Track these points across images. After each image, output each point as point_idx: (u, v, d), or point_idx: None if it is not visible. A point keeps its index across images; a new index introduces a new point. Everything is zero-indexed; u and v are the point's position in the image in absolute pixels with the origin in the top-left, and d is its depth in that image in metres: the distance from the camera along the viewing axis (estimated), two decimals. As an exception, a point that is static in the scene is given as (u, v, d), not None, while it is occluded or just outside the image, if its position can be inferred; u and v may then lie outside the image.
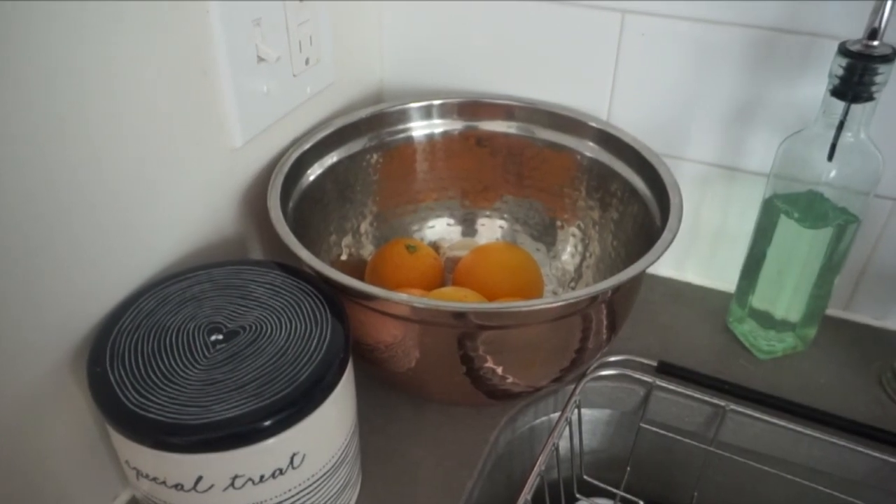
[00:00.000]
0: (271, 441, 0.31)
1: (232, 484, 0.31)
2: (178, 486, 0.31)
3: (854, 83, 0.40)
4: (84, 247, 0.33)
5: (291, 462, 0.32)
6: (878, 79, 0.40)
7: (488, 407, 0.46)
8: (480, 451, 0.44)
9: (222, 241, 0.43)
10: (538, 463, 0.42)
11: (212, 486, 0.31)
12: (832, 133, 0.42)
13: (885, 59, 0.39)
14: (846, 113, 0.41)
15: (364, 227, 0.52)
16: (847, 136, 0.42)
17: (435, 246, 0.56)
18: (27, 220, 0.30)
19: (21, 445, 0.33)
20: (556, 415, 0.48)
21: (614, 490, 0.48)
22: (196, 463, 0.30)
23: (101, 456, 0.37)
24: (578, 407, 0.47)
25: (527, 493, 0.40)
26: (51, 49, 0.30)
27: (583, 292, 0.37)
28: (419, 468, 0.42)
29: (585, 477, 0.49)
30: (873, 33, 0.39)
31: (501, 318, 0.38)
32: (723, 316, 0.53)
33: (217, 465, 0.30)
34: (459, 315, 0.37)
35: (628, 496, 0.48)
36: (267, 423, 0.30)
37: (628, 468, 0.50)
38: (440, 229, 0.55)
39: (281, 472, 0.32)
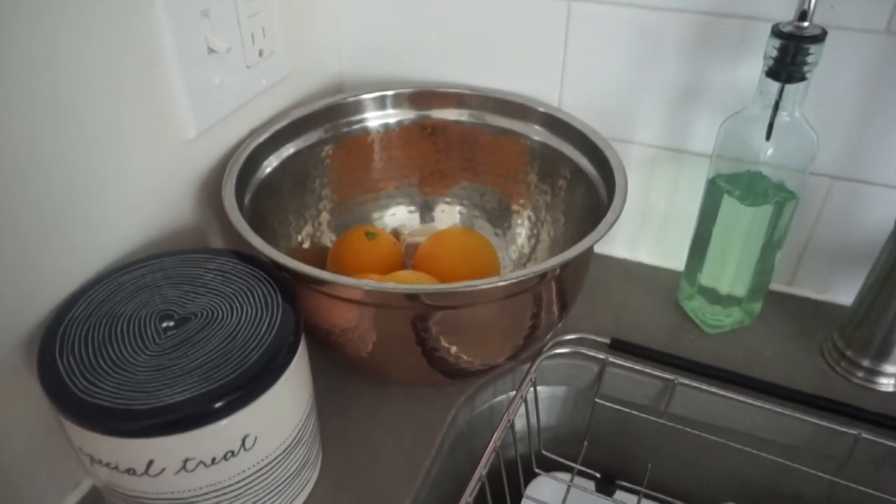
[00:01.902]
0: (221, 423, 0.31)
1: (184, 467, 0.32)
2: (131, 471, 0.32)
3: (787, 63, 0.41)
4: (30, 239, 0.34)
5: (243, 444, 0.33)
6: (809, 59, 0.41)
7: (446, 386, 0.47)
8: (438, 430, 0.45)
9: (181, 230, 0.44)
10: (493, 440, 0.43)
11: (163, 469, 0.32)
12: (769, 113, 0.44)
13: (815, 39, 0.40)
14: (781, 93, 0.43)
15: (324, 216, 0.53)
16: (783, 116, 0.44)
17: (396, 233, 0.57)
18: (-28, 214, 0.31)
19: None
20: (514, 393, 0.49)
21: (571, 464, 0.49)
22: (146, 447, 0.31)
23: (61, 445, 0.38)
24: (534, 385, 0.48)
25: (482, 469, 0.42)
26: (-10, 44, 0.30)
27: (529, 271, 0.38)
28: (379, 448, 0.43)
29: (544, 452, 0.51)
30: (803, 15, 0.40)
31: (451, 299, 0.39)
32: (673, 293, 0.55)
33: (167, 448, 0.31)
34: (412, 297, 0.38)
35: (585, 469, 0.50)
36: (215, 405, 0.31)
37: (585, 443, 0.51)
38: (400, 216, 0.56)
39: (233, 454, 0.33)
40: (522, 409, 0.49)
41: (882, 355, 0.47)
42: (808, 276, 0.54)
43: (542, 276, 0.39)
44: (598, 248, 0.56)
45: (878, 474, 0.45)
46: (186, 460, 0.32)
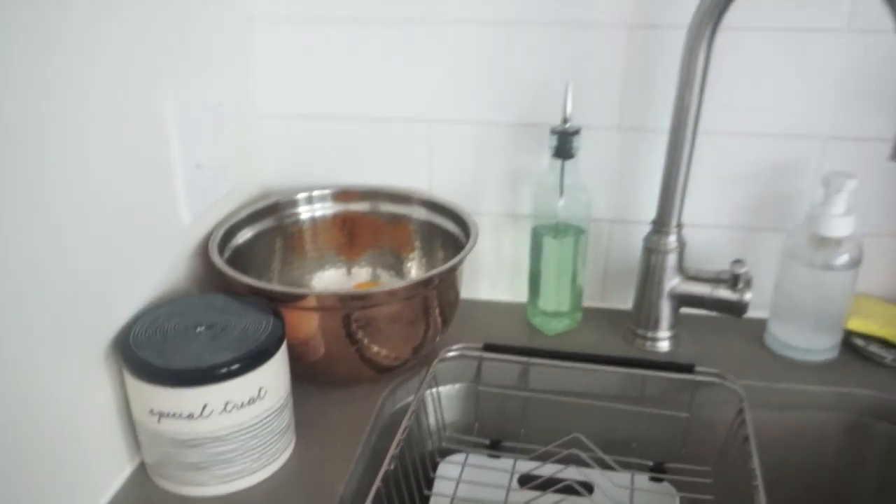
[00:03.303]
0: (247, 376, 0.51)
1: (224, 408, 0.50)
2: (190, 416, 0.50)
3: (562, 149, 0.68)
4: (101, 286, 0.53)
5: (259, 393, 0.52)
6: (574, 144, 0.68)
7: (373, 383, 0.67)
8: (371, 413, 0.64)
9: (184, 283, 0.63)
10: (406, 417, 0.63)
11: (212, 411, 0.50)
12: (559, 179, 0.70)
13: (575, 133, 0.68)
14: (562, 167, 0.69)
15: (275, 276, 0.74)
16: (567, 181, 0.70)
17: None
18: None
19: (68, 421, 0.50)
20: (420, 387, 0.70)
21: (468, 437, 0.70)
22: (202, 394, 0.50)
23: (119, 432, 0.54)
24: (435, 380, 0.69)
25: (400, 434, 0.61)
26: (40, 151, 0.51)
27: (416, 278, 0.60)
28: (332, 427, 0.62)
29: (446, 444, 0.71)
30: (565, 120, 0.68)
31: (371, 298, 0.60)
32: (524, 315, 0.79)
33: (215, 394, 0.50)
34: (343, 297, 0.60)
35: (477, 439, 0.70)
36: (243, 364, 0.50)
37: (476, 423, 0.72)
38: (328, 276, 0.77)
39: (252, 400, 0.52)
40: (431, 408, 0.70)
41: (656, 328, 0.73)
42: (612, 292, 0.80)
43: (426, 283, 0.61)
44: (469, 294, 0.81)
45: (663, 398, 0.69)
46: (227, 403, 0.50)
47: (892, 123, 0.68)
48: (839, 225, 0.66)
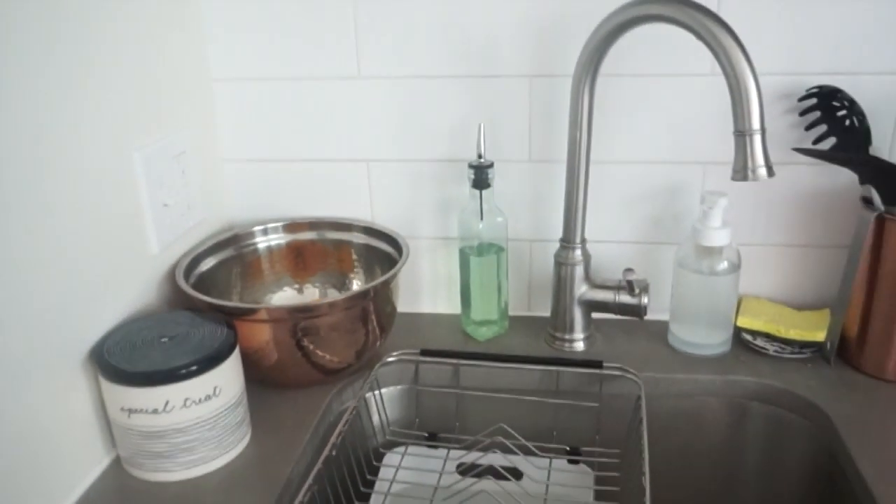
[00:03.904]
0: (204, 375, 0.61)
1: (184, 404, 0.61)
2: (155, 410, 0.60)
3: (479, 180, 0.80)
4: (78, 307, 0.63)
5: (214, 391, 0.62)
6: (489, 175, 0.80)
7: (322, 384, 0.76)
8: (317, 411, 0.74)
9: (152, 305, 0.74)
10: (343, 421, 0.73)
11: (173, 406, 0.60)
12: (479, 206, 0.81)
13: (488, 166, 0.79)
14: (480, 195, 0.81)
15: (236, 298, 0.84)
16: (486, 207, 0.81)
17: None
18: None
19: (51, 422, 0.60)
20: (367, 394, 0.80)
21: (408, 431, 0.80)
22: (165, 392, 0.60)
23: (97, 430, 0.64)
24: (377, 382, 0.80)
25: (341, 426, 0.71)
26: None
27: (354, 291, 0.71)
28: (283, 423, 0.72)
29: (389, 437, 0.81)
30: (480, 155, 0.80)
31: (316, 310, 0.71)
32: (459, 324, 0.89)
33: (176, 392, 0.60)
34: (291, 309, 0.70)
35: (417, 433, 0.80)
36: (201, 365, 0.61)
37: (416, 419, 0.83)
38: (282, 295, 0.88)
39: (209, 397, 0.62)
40: (375, 407, 0.80)
41: (571, 331, 0.84)
42: (537, 302, 0.91)
43: (363, 295, 0.72)
44: (412, 308, 0.91)
45: (577, 391, 0.79)
46: (186, 399, 0.61)
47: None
48: (717, 236, 0.78)
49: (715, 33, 0.59)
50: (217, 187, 0.88)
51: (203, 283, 0.78)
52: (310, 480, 0.61)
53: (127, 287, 0.70)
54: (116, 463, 0.66)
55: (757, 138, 0.59)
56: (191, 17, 0.81)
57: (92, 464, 0.64)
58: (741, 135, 0.59)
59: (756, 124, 0.59)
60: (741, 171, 0.60)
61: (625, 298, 0.81)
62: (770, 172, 0.60)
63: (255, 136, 0.88)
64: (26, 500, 0.57)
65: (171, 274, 0.77)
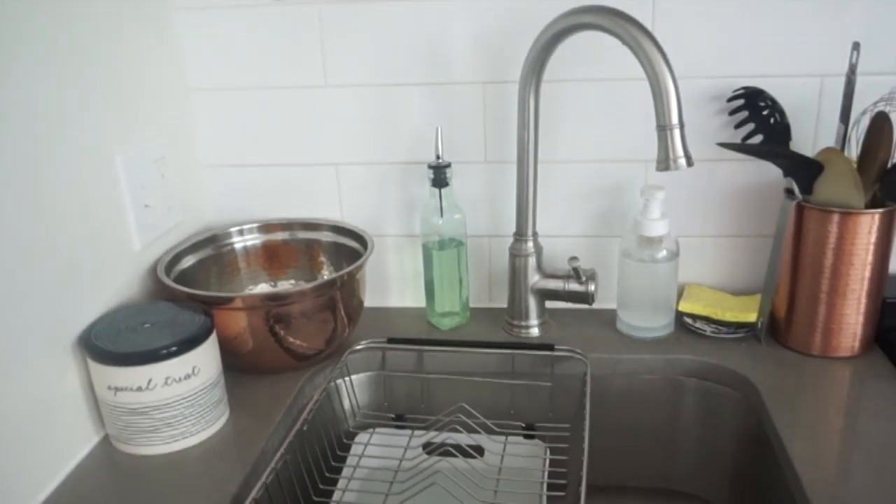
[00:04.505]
0: (184, 356, 0.67)
1: (165, 382, 0.67)
2: (139, 388, 0.66)
3: (438, 179, 0.87)
4: (67, 299, 0.69)
5: (193, 370, 0.68)
6: (447, 175, 0.87)
7: (295, 370, 0.83)
8: (290, 394, 0.80)
9: (135, 297, 0.79)
10: (314, 399, 0.79)
11: (156, 385, 0.66)
12: (439, 203, 0.88)
13: (446, 166, 0.86)
14: (440, 194, 0.88)
15: (214, 289, 0.90)
16: (445, 205, 0.88)
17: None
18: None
19: (39, 404, 0.66)
20: (339, 380, 0.86)
21: (376, 413, 0.86)
22: (147, 371, 0.66)
23: (86, 410, 0.70)
24: (347, 368, 0.86)
25: (310, 406, 0.78)
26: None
27: (322, 280, 0.78)
28: (260, 404, 0.78)
29: (359, 419, 0.87)
30: (438, 156, 0.87)
31: (287, 297, 0.77)
32: (425, 316, 0.96)
33: (158, 371, 0.66)
34: (264, 297, 0.77)
35: (385, 415, 0.86)
36: (180, 346, 0.67)
37: (385, 403, 0.89)
38: (258, 290, 0.94)
39: (188, 376, 0.68)
40: (346, 392, 0.87)
41: (526, 318, 0.90)
42: (497, 294, 0.98)
43: (331, 284, 0.78)
44: (380, 303, 0.98)
45: (531, 372, 0.86)
46: (167, 378, 0.67)
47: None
48: (656, 227, 0.85)
49: (637, 38, 0.66)
50: (195, 191, 0.94)
51: (183, 279, 0.84)
52: (282, 450, 0.67)
53: (112, 281, 0.76)
54: (105, 440, 0.72)
55: (676, 132, 0.66)
56: (169, 31, 0.88)
57: (82, 441, 0.70)
58: (662, 129, 0.67)
59: (675, 119, 0.66)
60: (664, 161, 0.67)
61: (573, 286, 0.88)
62: (689, 162, 0.67)
63: (230, 143, 0.94)
64: (21, 475, 0.62)
65: (153, 270, 0.83)
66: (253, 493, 0.62)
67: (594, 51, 0.85)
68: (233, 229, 0.93)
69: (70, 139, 0.69)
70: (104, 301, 0.74)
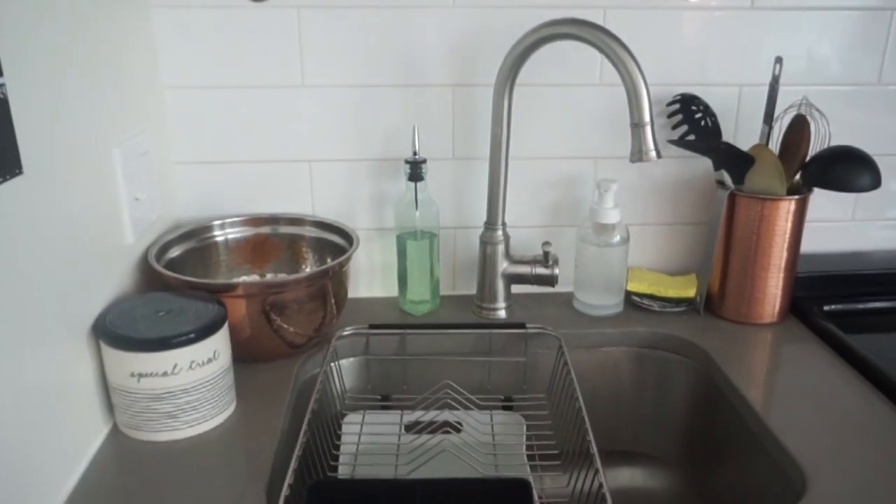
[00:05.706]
0: (205, 340, 0.69)
1: (190, 366, 0.69)
2: (164, 373, 0.68)
3: (414, 174, 0.93)
4: (80, 289, 0.69)
5: (214, 355, 0.71)
6: (423, 170, 0.93)
7: (290, 357, 0.86)
8: (290, 377, 0.83)
9: (133, 290, 0.80)
10: (316, 389, 0.83)
11: (181, 369, 0.68)
12: (414, 197, 0.94)
13: (423, 162, 0.93)
14: (416, 187, 0.94)
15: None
16: (420, 197, 0.95)
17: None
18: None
19: (55, 393, 0.66)
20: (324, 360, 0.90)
21: (362, 396, 0.90)
22: (173, 356, 0.68)
23: (97, 400, 0.70)
24: (335, 353, 0.90)
25: (313, 399, 0.81)
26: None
27: (317, 269, 0.82)
28: (263, 391, 0.81)
29: (348, 402, 0.91)
30: (415, 153, 0.93)
31: (285, 285, 0.80)
32: (397, 305, 1.01)
33: (183, 355, 0.68)
34: (262, 285, 0.80)
35: (371, 397, 0.91)
36: (202, 331, 0.69)
37: (369, 385, 0.93)
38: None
39: (209, 360, 0.70)
40: (334, 378, 0.90)
41: (494, 301, 0.98)
42: (461, 282, 1.05)
43: (324, 274, 0.83)
44: (357, 294, 1.02)
45: (506, 350, 0.94)
46: (192, 362, 0.69)
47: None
48: (610, 215, 0.96)
49: (613, 47, 0.76)
50: (168, 187, 0.95)
51: (172, 269, 0.85)
52: (304, 426, 0.71)
53: (110, 272, 0.76)
54: (115, 430, 0.72)
55: (647, 129, 0.77)
56: (143, 28, 0.88)
57: (95, 431, 0.70)
58: (636, 126, 0.77)
59: (647, 118, 0.76)
60: (637, 153, 0.77)
61: (540, 270, 0.97)
62: (658, 155, 0.77)
63: (204, 140, 0.96)
64: (44, 466, 0.62)
65: (143, 261, 0.83)
66: (292, 464, 0.65)
67: (554, 60, 0.95)
68: (215, 223, 0.95)
69: (71, 137, 0.70)
70: (106, 292, 0.74)
